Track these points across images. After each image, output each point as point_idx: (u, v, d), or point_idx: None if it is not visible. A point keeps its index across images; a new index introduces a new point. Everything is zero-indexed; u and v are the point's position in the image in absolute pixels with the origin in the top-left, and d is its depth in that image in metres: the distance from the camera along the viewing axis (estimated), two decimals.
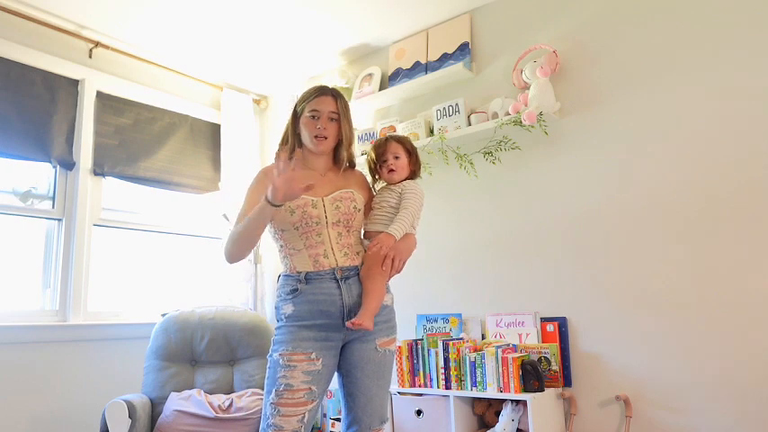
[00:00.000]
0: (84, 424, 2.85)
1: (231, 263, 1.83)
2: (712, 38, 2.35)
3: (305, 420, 1.70)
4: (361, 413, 1.79)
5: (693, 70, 2.38)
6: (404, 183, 1.92)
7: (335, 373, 1.86)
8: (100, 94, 3.18)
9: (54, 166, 2.99)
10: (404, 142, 1.97)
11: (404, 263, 1.88)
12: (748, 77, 2.26)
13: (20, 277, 2.87)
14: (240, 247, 1.79)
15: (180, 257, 3.53)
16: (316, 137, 1.85)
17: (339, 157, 1.94)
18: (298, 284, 1.78)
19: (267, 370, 1.76)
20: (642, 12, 2.53)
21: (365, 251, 1.87)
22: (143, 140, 3.34)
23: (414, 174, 1.98)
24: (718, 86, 2.32)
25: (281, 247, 1.85)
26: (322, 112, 1.86)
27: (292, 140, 1.92)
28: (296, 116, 1.92)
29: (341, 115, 1.89)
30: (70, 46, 3.09)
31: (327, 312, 1.76)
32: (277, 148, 1.98)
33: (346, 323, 1.75)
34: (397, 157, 1.93)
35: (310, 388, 1.71)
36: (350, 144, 1.95)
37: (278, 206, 1.69)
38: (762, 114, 2.22)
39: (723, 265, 2.24)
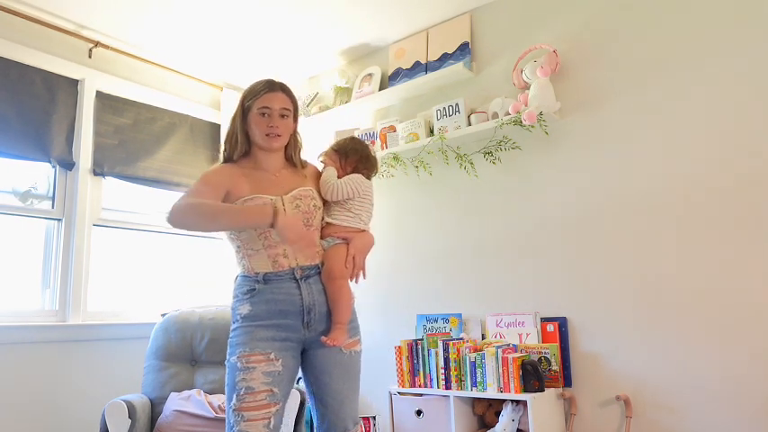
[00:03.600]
0: (85, 424, 2.84)
1: (175, 226, 1.69)
2: (713, 37, 2.35)
3: (271, 426, 1.63)
4: (335, 418, 1.77)
5: (694, 70, 2.38)
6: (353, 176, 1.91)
7: (304, 381, 1.83)
8: (100, 94, 3.18)
9: (54, 166, 2.99)
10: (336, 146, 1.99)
11: (364, 261, 1.87)
12: (749, 76, 2.25)
13: (20, 277, 2.87)
14: (200, 222, 1.69)
15: (180, 257, 3.53)
16: (268, 135, 1.79)
17: (289, 153, 1.90)
18: (255, 284, 1.73)
19: (226, 376, 1.69)
20: (642, 11, 2.53)
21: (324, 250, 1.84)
22: (143, 140, 3.34)
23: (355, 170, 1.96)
24: (718, 85, 2.32)
25: (239, 247, 1.78)
26: (273, 109, 1.79)
27: (242, 138, 1.83)
28: (243, 113, 1.83)
29: (293, 111, 1.85)
30: (70, 46, 3.09)
31: (286, 312, 1.72)
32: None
33: (321, 339, 1.72)
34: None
35: (272, 390, 1.65)
36: (297, 141, 1.91)
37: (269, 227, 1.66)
38: (763, 113, 2.22)
39: (724, 264, 2.24)
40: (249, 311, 1.72)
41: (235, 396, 1.63)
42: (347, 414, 1.78)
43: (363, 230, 1.91)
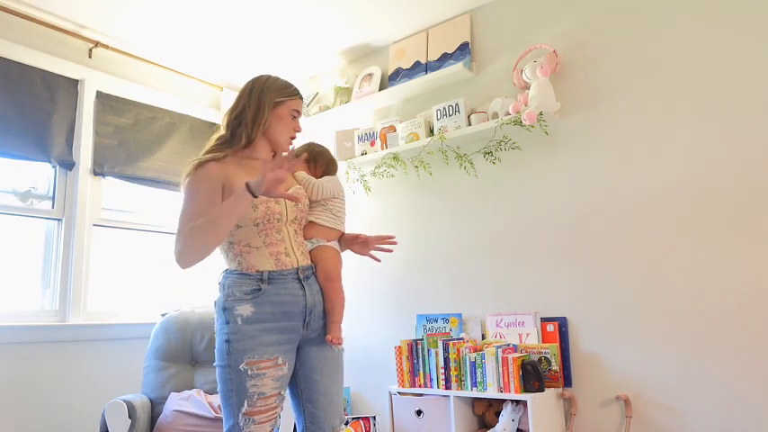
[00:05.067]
0: (85, 424, 2.84)
1: (187, 266, 1.65)
2: (713, 37, 2.35)
3: (277, 424, 1.68)
4: (324, 416, 1.75)
5: (694, 69, 2.38)
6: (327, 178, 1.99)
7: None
8: (100, 94, 3.18)
9: (54, 166, 2.99)
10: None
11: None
12: (749, 76, 2.25)
13: (20, 277, 2.87)
14: (206, 243, 1.61)
15: None
16: (292, 138, 1.86)
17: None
18: (260, 284, 1.68)
19: (227, 381, 1.64)
20: (642, 11, 2.53)
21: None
22: (143, 140, 3.34)
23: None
24: (718, 85, 2.32)
25: (232, 244, 1.72)
26: (300, 114, 1.88)
27: (264, 123, 1.78)
28: (266, 104, 1.78)
29: None
30: (70, 46, 3.09)
31: (291, 314, 1.71)
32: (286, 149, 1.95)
33: (326, 338, 1.77)
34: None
35: (280, 392, 1.68)
36: None
37: (255, 197, 1.57)
38: (763, 113, 2.22)
39: (724, 265, 2.24)
40: (252, 313, 1.66)
41: (246, 402, 1.62)
42: (335, 411, 1.78)
43: (342, 232, 1.96)
